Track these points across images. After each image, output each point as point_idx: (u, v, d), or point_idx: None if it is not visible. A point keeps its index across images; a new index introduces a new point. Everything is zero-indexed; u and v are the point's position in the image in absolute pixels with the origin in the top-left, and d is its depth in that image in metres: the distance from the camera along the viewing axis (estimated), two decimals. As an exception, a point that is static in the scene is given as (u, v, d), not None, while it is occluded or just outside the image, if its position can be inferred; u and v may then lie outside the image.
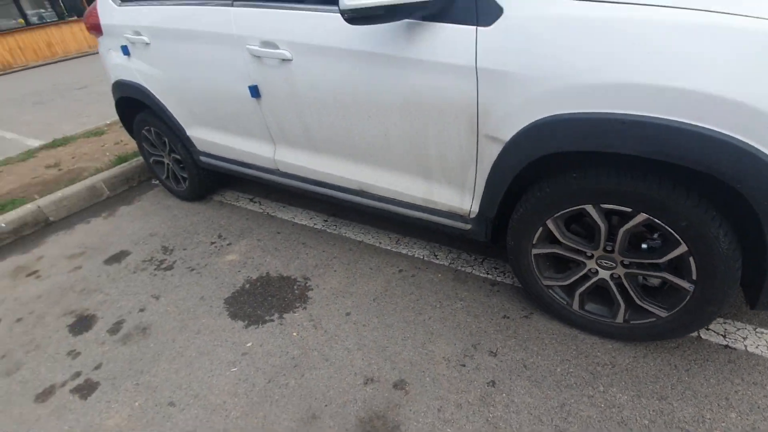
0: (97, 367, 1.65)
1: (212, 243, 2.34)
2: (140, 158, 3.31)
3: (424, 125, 1.42)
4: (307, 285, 1.92)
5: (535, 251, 1.43)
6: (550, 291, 1.49)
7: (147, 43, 2.15)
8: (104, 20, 2.39)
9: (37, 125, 5.46)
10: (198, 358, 1.62)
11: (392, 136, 1.53)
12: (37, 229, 2.80)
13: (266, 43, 1.66)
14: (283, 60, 1.63)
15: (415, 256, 2.00)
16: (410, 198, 1.66)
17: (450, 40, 1.24)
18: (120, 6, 2.28)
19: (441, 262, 1.93)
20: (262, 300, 1.87)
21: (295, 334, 1.67)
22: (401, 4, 1.16)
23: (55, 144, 4.17)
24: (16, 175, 3.52)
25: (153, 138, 2.65)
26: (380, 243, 2.12)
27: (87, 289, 2.11)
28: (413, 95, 1.38)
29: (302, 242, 2.23)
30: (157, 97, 2.31)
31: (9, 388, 1.62)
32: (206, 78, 1.99)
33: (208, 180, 2.70)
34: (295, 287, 1.92)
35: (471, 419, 1.28)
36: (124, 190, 3.18)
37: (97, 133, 4.34)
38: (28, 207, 2.79)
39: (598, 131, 1.07)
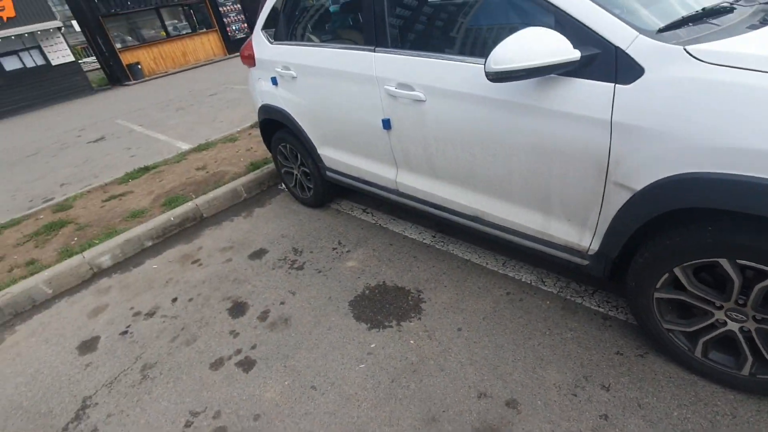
0: (253, 347, 2.05)
1: (333, 249, 2.68)
2: (271, 166, 3.83)
3: (548, 167, 1.53)
4: (420, 297, 2.14)
5: (657, 295, 1.46)
6: (671, 334, 1.50)
7: (294, 77, 2.54)
8: (258, 54, 2.85)
9: (182, 129, 6.50)
10: (331, 352, 1.93)
11: (515, 173, 1.66)
12: (195, 223, 3.43)
13: (402, 85, 1.89)
14: (416, 100, 1.85)
15: (522, 280, 2.10)
16: (526, 229, 1.77)
17: (586, 95, 1.33)
18: (273, 44, 2.70)
19: (549, 289, 2.01)
20: (380, 306, 2.13)
21: (412, 341, 1.89)
22: (543, 67, 1.29)
23: (200, 148, 4.97)
24: (174, 175, 4.30)
25: (287, 153, 3.09)
26: (487, 263, 2.26)
27: (238, 279, 2.58)
28: (542, 140, 1.49)
29: (413, 255, 2.45)
30: (297, 120, 2.71)
31: (190, 355, 2.10)
32: (343, 108, 2.30)
33: (329, 191, 3.07)
34: (410, 298, 2.15)
35: (582, 446, 1.38)
36: (257, 193, 3.73)
37: (232, 139, 5.07)
38: (189, 205, 3.44)
39: (741, 192, 1.10)
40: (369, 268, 2.43)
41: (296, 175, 3.18)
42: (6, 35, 12.53)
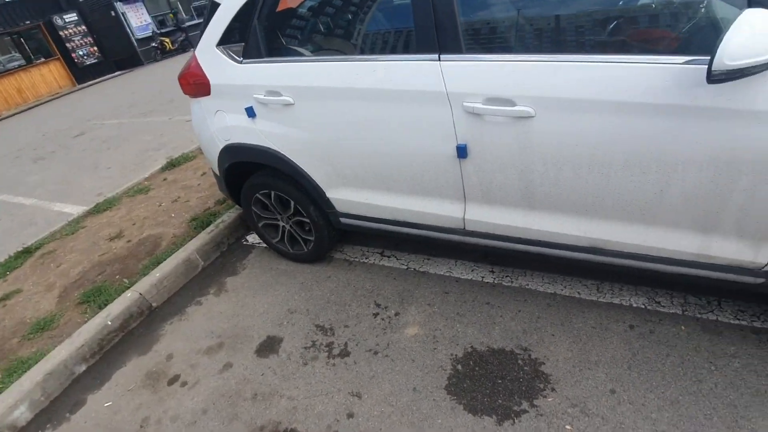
0: (351, 504, 1.40)
1: (375, 315, 2.09)
2: (227, 217, 2.99)
3: (732, 180, 1.24)
4: (533, 357, 1.71)
5: None
6: None
7: (289, 104, 1.88)
8: (216, 79, 2.09)
9: (52, 185, 4.97)
10: (471, 475, 1.39)
11: (672, 192, 1.35)
12: (144, 319, 2.46)
13: (494, 100, 1.44)
14: (518, 117, 1.42)
15: (633, 305, 1.82)
16: (676, 254, 1.48)
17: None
18: (244, 64, 1.99)
19: (671, 311, 1.76)
20: (492, 385, 1.65)
21: (568, 427, 1.46)
22: (784, 57, 0.98)
23: (99, 209, 3.76)
24: (77, 253, 3.13)
25: (272, 201, 2.36)
26: (579, 293, 1.93)
27: (261, 394, 1.83)
28: (728, 148, 1.20)
29: (485, 302, 2.01)
30: (293, 160, 2.04)
31: None
32: (384, 139, 1.74)
33: (335, 240, 2.44)
34: (520, 362, 1.70)
35: None
36: (217, 257, 2.86)
37: (142, 190, 3.95)
38: (128, 295, 2.45)
39: None
40: (439, 332, 1.91)
41: (284, 227, 2.47)
42: None
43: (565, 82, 1.32)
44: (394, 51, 1.72)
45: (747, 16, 0.99)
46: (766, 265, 1.37)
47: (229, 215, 3.05)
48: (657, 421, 1.42)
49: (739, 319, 1.67)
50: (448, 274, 2.22)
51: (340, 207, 2.14)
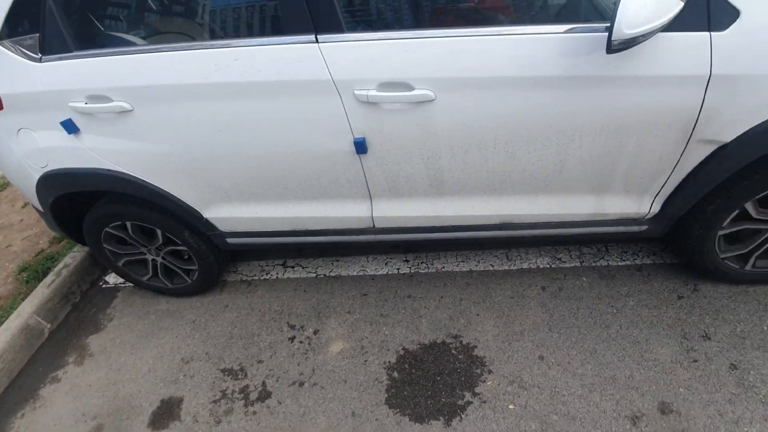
0: None
1: (291, 339, 1.84)
2: (69, 260, 2.33)
3: (620, 143, 1.30)
4: (464, 343, 1.68)
5: (721, 233, 1.50)
6: (726, 261, 1.59)
7: (126, 110, 1.43)
8: (6, 88, 1.50)
9: None
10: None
11: (571, 161, 1.37)
12: (-29, 425, 1.79)
13: (388, 85, 1.26)
14: (418, 102, 1.27)
15: (541, 266, 1.91)
16: (575, 216, 1.55)
17: (678, 50, 1.12)
18: (45, 62, 1.44)
19: (572, 264, 1.89)
20: (432, 384, 1.57)
21: (511, 406, 1.46)
22: (665, 24, 0.99)
23: None
24: None
25: (130, 233, 1.87)
26: (492, 266, 1.96)
27: (170, 479, 1.47)
28: (617, 114, 1.24)
29: (406, 295, 1.91)
30: (146, 180, 1.60)
31: None
32: (259, 141, 1.44)
33: (225, 262, 2.07)
34: (454, 351, 1.66)
35: (751, 409, 1.33)
36: (68, 313, 2.22)
37: (-72, 241, 2.88)
38: (-64, 402, 1.75)
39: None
40: (367, 340, 1.76)
41: (154, 260, 2.00)
42: None
43: (463, 58, 1.21)
44: (255, 32, 1.40)
45: None
46: (648, 213, 1.51)
47: (74, 255, 2.39)
48: (583, 375, 1.51)
49: (624, 260, 1.87)
50: (361, 274, 2.07)
51: (224, 226, 1.78)
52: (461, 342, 1.69)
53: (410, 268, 2.04)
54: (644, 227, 1.55)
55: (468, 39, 1.20)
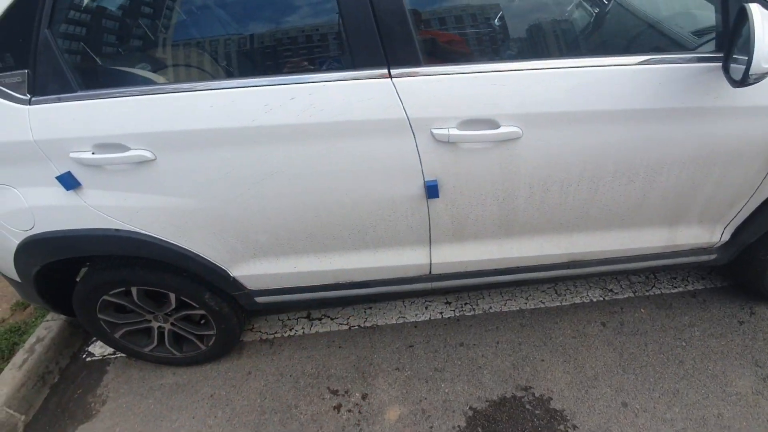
0: None
1: (337, 408, 1.60)
2: (42, 333, 1.94)
3: (706, 173, 1.25)
4: (537, 396, 1.53)
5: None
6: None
7: (147, 160, 1.18)
8: (-17, 137, 1.20)
9: None
10: None
11: (654, 194, 1.29)
12: None
13: (472, 123, 1.12)
14: (502, 141, 1.14)
15: (594, 300, 1.82)
16: (647, 250, 1.47)
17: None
18: (35, 105, 1.16)
19: (625, 295, 1.82)
20: (514, 447, 1.40)
21: (611, 465, 1.32)
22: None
23: None
24: None
25: (134, 300, 1.56)
26: (543, 303, 1.84)
27: None
28: (709, 145, 1.18)
29: (458, 343, 1.74)
30: (168, 240, 1.34)
31: None
32: (311, 188, 1.24)
33: (245, 324, 1.80)
34: (528, 406, 1.50)
35: None
36: (46, 398, 1.83)
37: None
38: None
39: None
40: (426, 401, 1.56)
41: (161, 327, 1.69)
42: None
43: (554, 93, 1.10)
44: (316, 65, 1.21)
45: (755, 14, 0.91)
46: (719, 242, 1.47)
47: (48, 325, 2.00)
48: (673, 420, 1.40)
49: (676, 287, 1.82)
50: (401, 321, 1.87)
51: (253, 284, 1.53)
52: (533, 394, 1.53)
53: (454, 311, 1.88)
54: (713, 256, 1.50)
55: (558, 71, 1.10)
